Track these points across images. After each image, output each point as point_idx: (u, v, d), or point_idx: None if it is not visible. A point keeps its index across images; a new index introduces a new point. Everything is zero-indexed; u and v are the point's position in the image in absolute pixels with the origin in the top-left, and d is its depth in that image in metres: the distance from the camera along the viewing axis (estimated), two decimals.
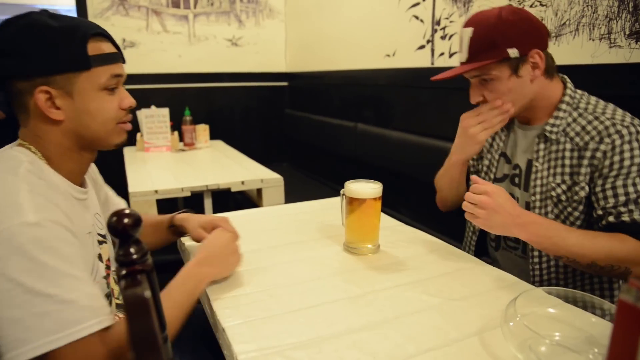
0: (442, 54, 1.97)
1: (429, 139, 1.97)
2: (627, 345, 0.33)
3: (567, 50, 1.43)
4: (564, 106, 1.03)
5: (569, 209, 1.03)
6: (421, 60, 2.10)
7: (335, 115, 2.92)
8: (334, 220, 1.29)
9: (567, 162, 1.02)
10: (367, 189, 1.05)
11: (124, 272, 0.45)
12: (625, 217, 0.93)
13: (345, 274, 0.97)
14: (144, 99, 2.97)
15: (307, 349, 0.70)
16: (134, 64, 3.10)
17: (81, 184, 0.88)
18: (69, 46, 0.76)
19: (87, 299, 0.67)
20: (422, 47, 2.09)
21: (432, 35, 2.02)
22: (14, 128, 0.82)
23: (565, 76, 1.09)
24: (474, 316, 0.80)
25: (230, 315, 0.80)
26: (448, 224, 1.25)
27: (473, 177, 0.94)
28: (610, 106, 1.02)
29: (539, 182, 1.08)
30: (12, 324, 0.63)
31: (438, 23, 1.98)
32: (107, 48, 0.81)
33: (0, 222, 0.65)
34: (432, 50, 2.03)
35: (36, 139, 0.80)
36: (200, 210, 2.01)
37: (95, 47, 0.79)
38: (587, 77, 1.39)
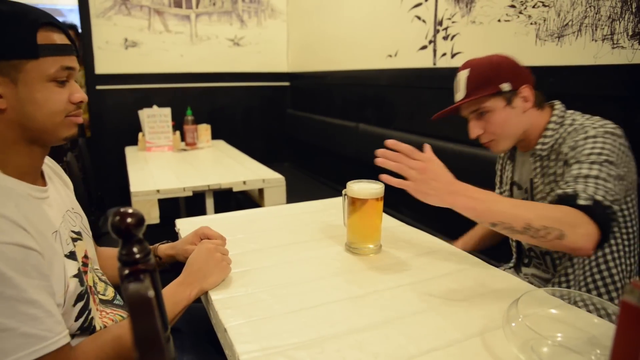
0: (444, 54, 1.97)
1: (431, 140, 1.96)
2: (630, 346, 0.33)
3: (570, 51, 1.43)
4: (551, 125, 1.12)
5: None
6: (423, 60, 2.10)
7: (337, 115, 2.92)
8: (336, 221, 1.29)
9: (551, 170, 1.11)
10: (369, 189, 1.05)
11: (126, 271, 0.45)
12: (569, 189, 0.94)
13: (346, 274, 0.97)
14: (146, 99, 2.98)
15: (309, 349, 0.71)
16: (135, 64, 3.11)
17: (39, 182, 0.84)
18: (16, 32, 0.72)
19: (29, 325, 0.65)
20: (424, 47, 2.09)
21: (434, 36, 2.02)
22: None
23: (556, 101, 1.15)
24: (475, 317, 0.80)
25: (232, 315, 0.80)
26: (449, 225, 1.25)
27: (407, 147, 0.92)
28: (595, 118, 1.07)
29: (539, 196, 1.15)
30: None
31: (440, 23, 1.98)
32: (59, 39, 0.78)
33: None
34: (434, 51, 2.03)
35: None
36: (202, 210, 2.02)
37: (46, 37, 0.75)
38: (589, 78, 1.38)
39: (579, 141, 1.01)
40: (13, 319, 0.64)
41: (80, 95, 0.82)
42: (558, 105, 1.14)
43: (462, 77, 1.12)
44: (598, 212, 0.89)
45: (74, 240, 0.86)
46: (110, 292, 0.95)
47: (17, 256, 0.66)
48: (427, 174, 0.88)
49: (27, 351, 0.65)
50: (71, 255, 0.82)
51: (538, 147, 1.13)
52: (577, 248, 0.87)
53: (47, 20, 0.76)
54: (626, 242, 1.08)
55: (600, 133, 1.00)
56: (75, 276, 0.80)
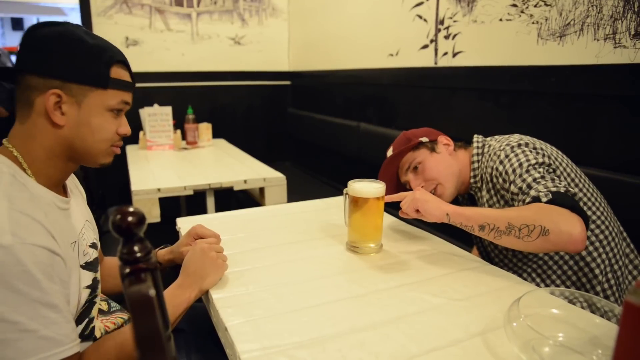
0: (445, 53, 1.97)
1: None
2: (634, 347, 0.33)
3: (571, 50, 1.42)
4: (474, 158, 1.24)
5: None
6: (424, 59, 2.09)
7: (338, 114, 2.92)
8: (337, 220, 1.29)
9: (484, 199, 1.19)
10: (371, 188, 1.05)
11: (127, 270, 0.45)
12: (527, 199, 1.00)
13: (348, 274, 0.97)
14: (147, 97, 2.98)
15: (310, 348, 0.70)
16: (137, 63, 3.11)
17: (62, 194, 0.87)
18: (96, 62, 0.81)
19: (49, 328, 0.67)
20: (425, 46, 2.09)
21: (436, 35, 2.01)
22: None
23: (475, 135, 1.27)
24: (477, 316, 0.80)
25: (233, 314, 0.80)
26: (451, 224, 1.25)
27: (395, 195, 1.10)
28: (504, 137, 1.17)
29: None
30: None
31: (442, 22, 1.97)
32: (126, 76, 0.87)
33: None
34: (436, 50, 2.02)
35: (27, 139, 0.79)
36: (202, 209, 2.02)
37: (117, 72, 0.84)
38: (591, 77, 1.38)
39: (497, 168, 1.12)
40: (35, 321, 0.66)
41: (126, 128, 0.90)
42: (475, 137, 1.26)
43: (389, 153, 1.31)
44: (563, 199, 0.92)
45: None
46: (104, 305, 0.97)
47: (46, 260, 0.69)
48: (420, 200, 1.02)
49: (45, 354, 0.67)
50: (86, 266, 0.84)
51: (472, 180, 1.24)
52: (568, 241, 0.88)
53: (121, 58, 0.86)
54: (597, 231, 1.09)
55: (508, 151, 1.10)
56: (88, 287, 0.83)
